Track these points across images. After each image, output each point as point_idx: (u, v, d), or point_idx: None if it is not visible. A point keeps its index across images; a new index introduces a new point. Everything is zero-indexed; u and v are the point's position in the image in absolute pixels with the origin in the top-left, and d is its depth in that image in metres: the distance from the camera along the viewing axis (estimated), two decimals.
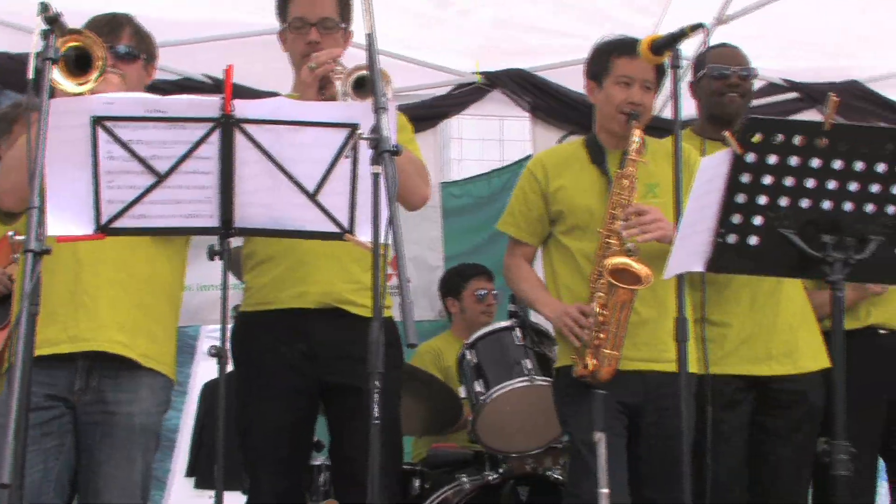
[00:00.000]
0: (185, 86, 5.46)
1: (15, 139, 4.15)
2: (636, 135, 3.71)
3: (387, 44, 4.16)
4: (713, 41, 4.20)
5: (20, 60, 5.28)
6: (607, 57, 3.85)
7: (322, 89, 3.47)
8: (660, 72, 3.80)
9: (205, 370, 7.05)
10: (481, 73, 6.14)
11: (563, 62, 6.10)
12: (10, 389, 2.30)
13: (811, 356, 4.04)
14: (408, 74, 5.84)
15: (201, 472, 7.16)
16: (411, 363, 5.19)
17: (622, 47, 3.81)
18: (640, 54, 3.53)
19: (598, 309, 3.61)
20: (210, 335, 7.20)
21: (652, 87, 3.82)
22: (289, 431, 3.65)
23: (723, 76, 4.10)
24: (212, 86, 5.55)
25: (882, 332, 4.40)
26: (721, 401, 3.83)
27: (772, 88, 6.16)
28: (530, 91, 6.11)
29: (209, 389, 7.13)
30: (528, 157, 6.58)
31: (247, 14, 5.61)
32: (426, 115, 6.02)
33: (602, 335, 3.59)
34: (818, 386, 4.02)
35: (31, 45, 5.27)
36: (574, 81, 6.07)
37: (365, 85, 3.31)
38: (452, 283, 6.04)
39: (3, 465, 2.17)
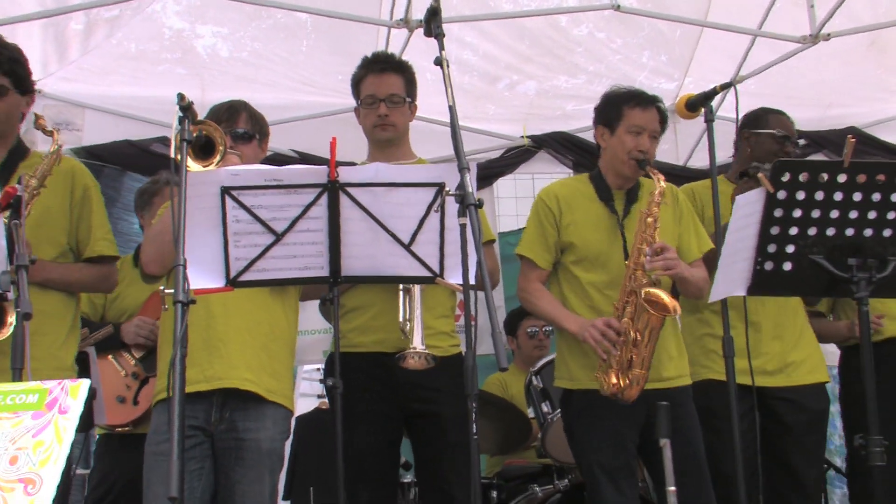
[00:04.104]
0: (276, 160, 5.58)
1: (155, 210, 4.28)
2: (661, 179, 3.61)
3: (445, 116, 4.29)
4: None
5: (140, 147, 5.46)
6: (621, 107, 3.75)
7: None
8: (662, 123, 3.76)
9: (301, 405, 7.15)
10: (528, 137, 6.23)
11: None
12: (171, 419, 2.39)
13: (808, 370, 4.06)
14: (464, 142, 5.93)
15: (296, 495, 7.24)
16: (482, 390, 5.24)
17: (636, 99, 3.73)
18: (674, 110, 3.57)
19: (630, 330, 3.49)
20: (305, 375, 7.29)
21: (658, 136, 3.75)
22: (381, 449, 3.76)
23: (786, 141, 4.07)
24: (298, 159, 5.69)
25: None
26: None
27: None
28: (572, 150, 6.17)
29: (302, 423, 7.21)
30: None
31: (322, 97, 5.78)
32: (482, 175, 6.08)
33: (634, 355, 3.48)
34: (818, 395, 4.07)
35: (147, 133, 5.51)
36: None
37: None
38: (509, 324, 6.07)
39: (171, 481, 2.27)
